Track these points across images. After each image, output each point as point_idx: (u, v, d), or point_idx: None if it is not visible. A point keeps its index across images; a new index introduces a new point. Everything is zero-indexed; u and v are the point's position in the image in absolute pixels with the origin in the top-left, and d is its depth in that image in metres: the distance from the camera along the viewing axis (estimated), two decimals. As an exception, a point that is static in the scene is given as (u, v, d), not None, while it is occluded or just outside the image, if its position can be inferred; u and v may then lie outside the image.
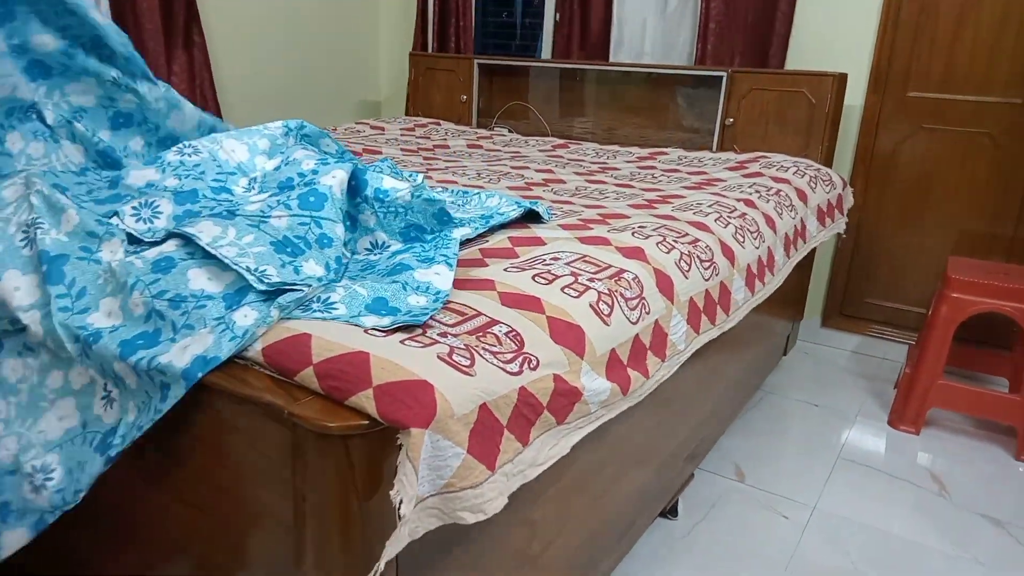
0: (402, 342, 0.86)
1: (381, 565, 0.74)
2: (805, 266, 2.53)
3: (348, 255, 1.16)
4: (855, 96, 2.77)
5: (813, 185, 2.23)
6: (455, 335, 0.92)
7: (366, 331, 0.87)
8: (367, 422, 0.76)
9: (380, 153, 2.56)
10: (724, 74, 2.71)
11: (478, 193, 1.60)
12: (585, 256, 1.29)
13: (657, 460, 1.55)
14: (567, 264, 1.23)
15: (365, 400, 0.76)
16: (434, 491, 0.78)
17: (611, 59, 3.16)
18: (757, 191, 1.97)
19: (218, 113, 2.98)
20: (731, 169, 2.31)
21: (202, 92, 2.91)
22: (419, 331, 0.90)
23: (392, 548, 0.75)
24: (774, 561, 1.69)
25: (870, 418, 2.38)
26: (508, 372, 0.90)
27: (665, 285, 1.31)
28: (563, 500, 1.19)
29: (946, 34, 2.61)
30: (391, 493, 0.74)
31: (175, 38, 2.81)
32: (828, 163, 2.63)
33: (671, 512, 1.80)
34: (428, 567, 0.91)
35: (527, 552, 1.12)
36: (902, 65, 2.70)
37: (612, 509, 1.40)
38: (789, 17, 2.79)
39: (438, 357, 0.84)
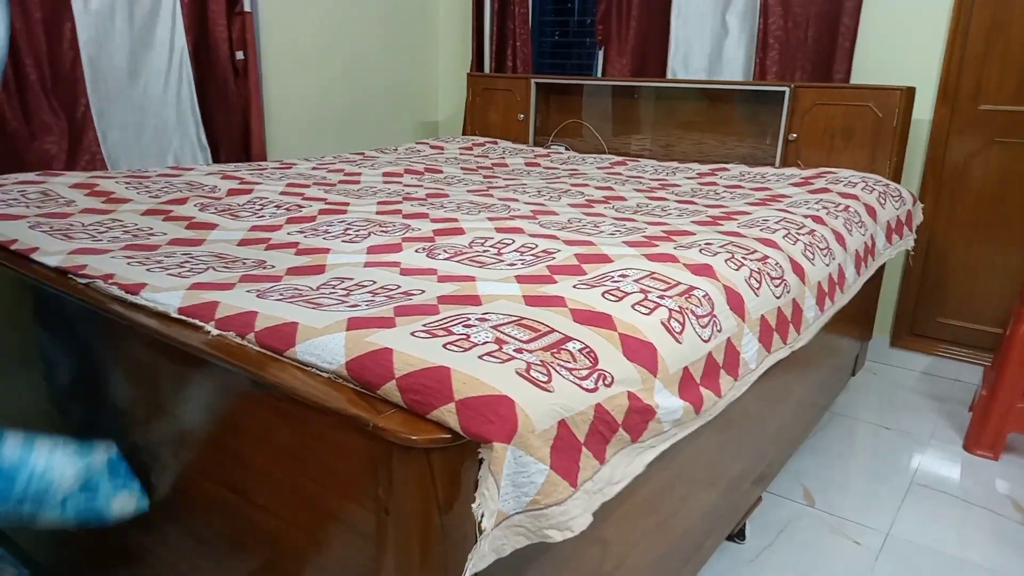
0: (480, 357, 0.86)
1: (467, 577, 0.74)
2: (873, 284, 2.47)
3: None
4: (923, 110, 2.69)
5: (882, 201, 2.17)
6: (530, 351, 0.92)
7: (445, 345, 0.89)
8: (449, 435, 0.77)
9: (440, 172, 2.60)
10: (787, 89, 2.68)
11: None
12: (653, 273, 1.28)
13: (724, 482, 1.52)
14: (636, 281, 1.23)
15: (447, 414, 0.77)
16: (519, 508, 0.78)
17: (668, 76, 3.15)
18: (825, 207, 1.93)
19: (260, 136, 3.01)
20: (796, 185, 2.27)
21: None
22: (496, 346, 0.90)
23: (477, 563, 0.75)
24: (847, 589, 1.64)
25: (944, 442, 2.29)
26: (584, 389, 0.90)
27: (736, 302, 1.30)
28: (633, 520, 1.17)
29: (1019, 45, 2.52)
30: (473, 507, 0.75)
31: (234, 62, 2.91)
32: (896, 178, 2.56)
33: (739, 536, 1.76)
34: (503, 583, 0.91)
35: (599, 571, 1.11)
36: (972, 78, 2.62)
37: (680, 531, 1.37)
38: (853, 32, 2.74)
39: (516, 372, 0.84)
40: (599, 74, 3.41)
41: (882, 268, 2.49)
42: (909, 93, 2.51)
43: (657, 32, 3.16)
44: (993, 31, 2.55)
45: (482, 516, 0.75)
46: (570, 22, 3.67)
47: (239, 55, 2.87)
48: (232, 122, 2.92)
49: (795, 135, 2.68)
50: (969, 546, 1.79)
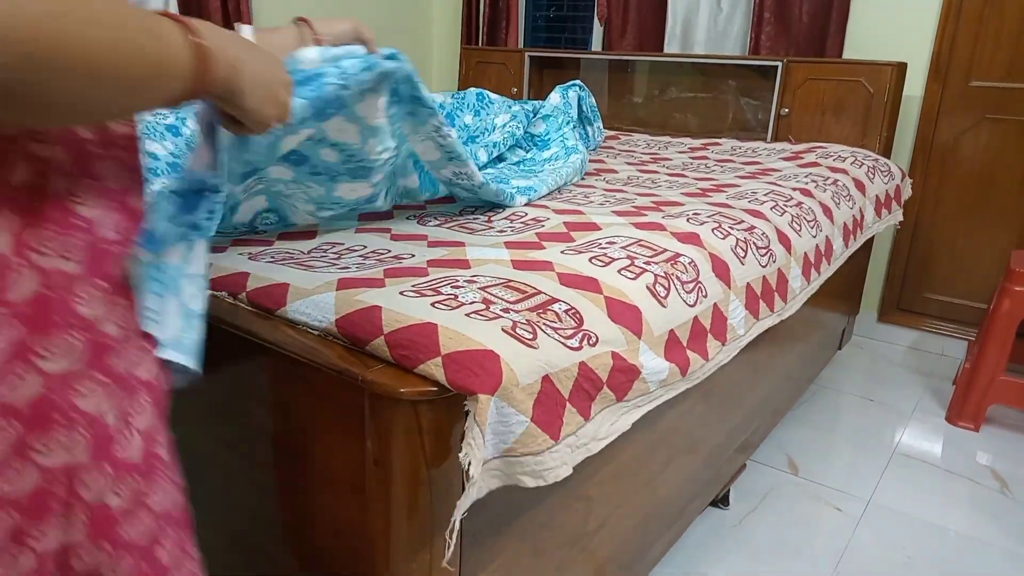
0: (467, 315, 0.88)
1: (456, 521, 0.77)
2: (862, 259, 2.49)
3: None
4: (914, 86, 2.70)
5: (871, 175, 2.19)
6: (517, 311, 0.94)
7: (433, 304, 0.91)
8: (436, 388, 0.79)
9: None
10: (780, 64, 2.68)
11: None
12: (640, 241, 1.30)
13: (708, 448, 1.56)
14: (623, 248, 1.24)
15: (434, 368, 0.79)
16: (497, 454, 0.81)
17: (664, 50, 3.15)
18: (814, 180, 1.95)
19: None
20: (786, 159, 2.29)
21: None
22: (483, 306, 0.92)
23: (463, 505, 0.78)
24: (826, 553, 1.68)
25: (927, 414, 2.34)
26: (569, 347, 0.92)
27: (721, 270, 1.32)
28: (617, 481, 1.20)
29: (1013, 21, 2.53)
30: (460, 456, 0.77)
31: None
32: (886, 154, 2.58)
33: (722, 501, 1.80)
34: (491, 535, 0.94)
35: (583, 528, 1.14)
36: (964, 54, 2.62)
37: (664, 494, 1.41)
38: (846, 6, 2.74)
39: (502, 330, 0.86)
40: (594, 48, 3.40)
41: (870, 243, 2.51)
42: (900, 69, 2.52)
43: (655, 7, 3.15)
44: (987, 7, 2.56)
45: (469, 464, 0.77)
46: (565, -4, 3.65)
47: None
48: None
49: (787, 110, 2.69)
50: (948, 514, 1.84)
